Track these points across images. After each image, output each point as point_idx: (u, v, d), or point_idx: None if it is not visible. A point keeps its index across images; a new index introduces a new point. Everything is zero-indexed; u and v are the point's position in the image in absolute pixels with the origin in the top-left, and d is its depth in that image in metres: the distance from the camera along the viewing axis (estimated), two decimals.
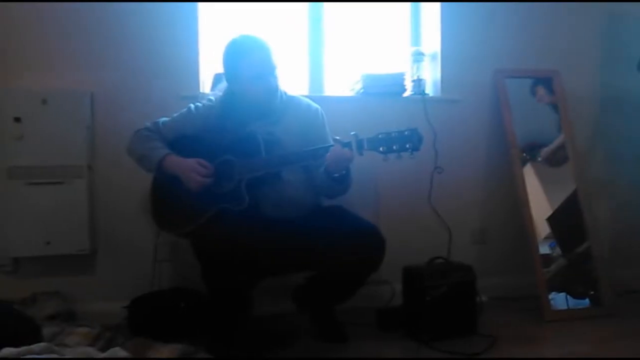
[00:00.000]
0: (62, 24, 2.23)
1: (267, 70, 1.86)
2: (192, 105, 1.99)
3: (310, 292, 2.04)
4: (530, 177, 2.51)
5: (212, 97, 2.03)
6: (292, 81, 2.55)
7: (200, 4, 2.36)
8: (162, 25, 2.28)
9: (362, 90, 2.47)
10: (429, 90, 2.60)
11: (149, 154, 1.87)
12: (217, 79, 2.31)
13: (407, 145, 1.69)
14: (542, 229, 2.45)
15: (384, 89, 2.46)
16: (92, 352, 1.55)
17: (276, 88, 1.90)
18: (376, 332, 2.12)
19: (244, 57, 1.85)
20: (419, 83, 2.54)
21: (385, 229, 2.01)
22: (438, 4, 2.56)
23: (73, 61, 2.24)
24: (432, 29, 2.61)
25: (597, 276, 2.39)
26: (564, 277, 2.41)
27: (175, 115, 1.98)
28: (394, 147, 1.70)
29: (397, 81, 2.48)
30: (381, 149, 1.71)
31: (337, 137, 1.76)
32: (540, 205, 2.48)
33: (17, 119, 2.13)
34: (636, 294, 2.58)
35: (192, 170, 1.80)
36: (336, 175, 1.79)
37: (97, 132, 2.24)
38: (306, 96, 2.10)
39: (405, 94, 2.53)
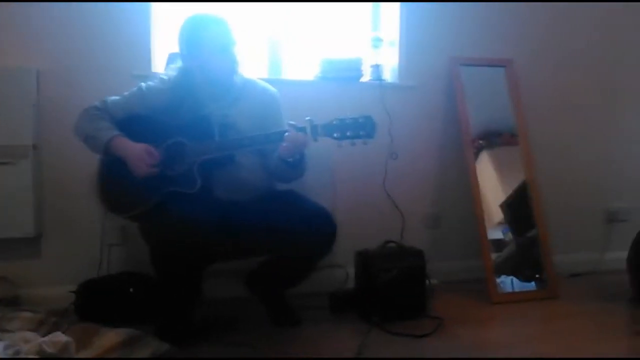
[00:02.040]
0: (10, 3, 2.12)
1: (228, 44, 1.84)
2: (143, 84, 1.93)
3: (263, 276, 2.05)
4: (486, 164, 2.57)
5: (165, 77, 1.97)
6: (251, 64, 2.51)
7: None
8: (113, 2, 2.20)
9: (320, 75, 2.46)
10: (387, 76, 2.61)
11: (97, 134, 1.81)
12: (170, 58, 2.24)
13: (361, 133, 1.71)
14: (497, 214, 2.52)
15: (341, 74, 2.46)
16: (31, 336, 1.51)
17: (238, 62, 1.88)
18: (329, 315, 2.15)
19: (206, 30, 1.83)
20: (376, 69, 2.55)
21: (340, 214, 2.04)
22: None
23: (18, 37, 2.14)
24: (392, 15, 2.61)
25: (543, 260, 2.48)
26: (513, 261, 2.49)
27: (125, 94, 1.92)
28: (348, 134, 1.71)
29: (354, 66, 2.49)
30: (335, 135, 1.72)
31: (292, 122, 1.75)
32: (496, 192, 2.56)
33: None
34: (578, 276, 2.71)
35: (139, 158, 1.75)
36: (290, 160, 1.79)
37: (44, 110, 2.15)
38: (264, 79, 2.07)
39: (363, 80, 2.53)
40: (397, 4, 2.57)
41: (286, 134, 1.74)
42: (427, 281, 2.17)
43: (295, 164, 1.82)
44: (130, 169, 1.77)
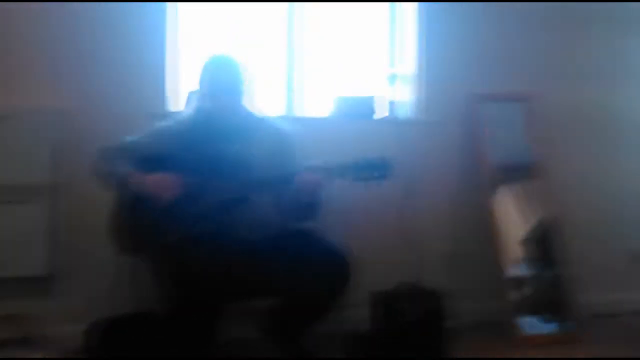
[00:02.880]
0: (28, 40, 2.17)
1: (226, 88, 1.84)
2: (159, 124, 1.96)
3: (277, 319, 2.00)
4: (506, 199, 2.53)
5: (181, 116, 2.00)
6: (266, 101, 2.53)
7: (170, 20, 2.33)
8: (129, 42, 2.24)
9: (334, 112, 2.47)
10: (404, 112, 2.61)
11: (114, 171, 1.82)
12: (190, 97, 2.28)
13: (375, 174, 1.71)
14: (519, 250, 2.47)
15: (356, 112, 2.46)
16: None
17: (238, 108, 1.88)
18: (344, 357, 2.10)
19: (209, 73, 1.86)
20: (393, 105, 2.55)
21: (355, 253, 2.00)
22: (415, 25, 2.58)
23: (37, 78, 2.18)
24: (409, 51, 2.62)
25: (566, 300, 2.41)
26: (535, 301, 2.42)
27: (142, 134, 1.94)
28: (362, 176, 1.70)
29: (369, 104, 2.49)
30: (349, 177, 1.71)
31: (307, 163, 1.75)
32: (517, 227, 2.51)
33: None
34: (601, 318, 2.61)
35: (159, 183, 1.75)
36: (305, 201, 1.77)
37: (61, 150, 2.17)
38: (280, 117, 2.08)
39: (379, 116, 2.53)
40: (415, 39, 2.58)
41: (299, 175, 1.73)
42: (446, 323, 2.10)
43: (309, 205, 1.81)
44: (153, 198, 1.76)
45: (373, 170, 1.70)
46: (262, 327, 2.06)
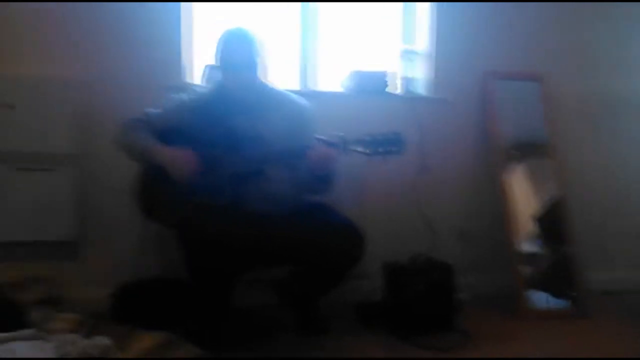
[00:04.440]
0: (53, 14, 2.22)
1: (242, 63, 1.87)
2: (180, 97, 2.01)
3: (292, 286, 2.08)
4: (519, 176, 2.56)
5: (199, 89, 2.04)
6: (283, 75, 2.56)
7: None
8: (148, 14, 2.28)
9: (350, 87, 2.49)
10: (419, 89, 2.63)
11: (136, 143, 1.89)
12: (206, 70, 2.33)
13: (391, 149, 1.73)
14: (531, 227, 2.50)
15: (372, 87, 2.48)
16: (75, 338, 1.58)
17: (252, 82, 1.91)
18: (356, 325, 2.17)
19: (224, 46, 1.88)
20: (408, 81, 2.57)
21: (369, 226, 2.05)
22: (430, 2, 2.58)
23: (63, 49, 2.24)
24: (424, 28, 2.63)
25: (575, 277, 2.45)
26: (545, 277, 2.46)
27: (165, 106, 2.00)
28: (379, 150, 1.73)
29: (385, 79, 2.51)
30: (366, 151, 1.74)
31: (323, 137, 1.78)
32: (530, 204, 2.54)
33: (11, 107, 2.13)
34: (610, 295, 2.64)
35: (178, 160, 1.81)
36: (320, 174, 1.82)
37: (87, 120, 2.24)
38: (295, 91, 2.11)
39: (394, 92, 2.55)
40: (431, 15, 2.58)
41: (314, 148, 1.77)
42: (455, 295, 2.16)
43: (325, 179, 1.85)
44: (170, 173, 1.83)
45: (388, 145, 1.73)
46: (277, 295, 2.15)
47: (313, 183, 1.88)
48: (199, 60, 2.42)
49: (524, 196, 2.54)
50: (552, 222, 2.51)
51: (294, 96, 2.06)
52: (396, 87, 2.56)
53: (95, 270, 2.27)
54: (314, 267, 1.92)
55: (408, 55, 2.59)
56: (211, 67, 2.26)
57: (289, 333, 2.05)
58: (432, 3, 2.58)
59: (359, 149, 1.74)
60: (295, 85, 2.57)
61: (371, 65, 2.61)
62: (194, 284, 1.89)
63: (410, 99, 2.52)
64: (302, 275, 2.03)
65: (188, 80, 2.38)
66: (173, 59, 2.33)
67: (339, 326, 2.11)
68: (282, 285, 2.12)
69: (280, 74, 2.52)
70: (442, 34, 2.57)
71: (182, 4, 2.35)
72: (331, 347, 1.96)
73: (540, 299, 2.41)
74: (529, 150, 2.60)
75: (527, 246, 2.47)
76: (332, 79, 2.65)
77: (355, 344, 1.99)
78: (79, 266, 2.29)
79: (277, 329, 2.09)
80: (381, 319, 2.16)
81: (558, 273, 2.47)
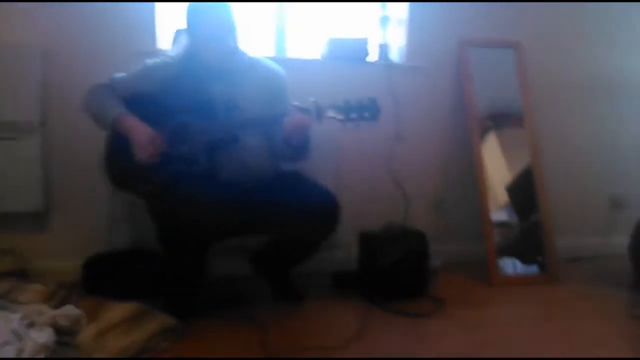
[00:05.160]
0: None
1: (224, 30, 1.81)
2: (149, 62, 1.93)
3: (267, 255, 2.08)
4: (493, 146, 2.57)
5: (170, 54, 1.97)
6: (257, 43, 2.50)
7: None
8: None
9: (326, 54, 2.45)
10: (394, 56, 2.60)
11: (104, 112, 1.82)
12: (177, 35, 2.24)
13: (365, 115, 1.70)
14: (503, 196, 2.54)
15: (348, 54, 2.44)
16: (44, 308, 1.55)
17: (232, 50, 1.86)
18: (332, 294, 2.18)
19: (201, 15, 1.81)
20: (384, 49, 2.53)
21: (344, 195, 2.05)
22: None
23: (24, 16, 2.14)
24: None
25: (545, 244, 2.50)
26: (516, 244, 2.51)
27: (132, 71, 1.92)
28: (352, 116, 1.70)
29: (361, 46, 2.47)
30: (340, 117, 1.71)
31: (296, 103, 1.75)
32: (502, 173, 2.56)
33: None
34: (580, 261, 2.72)
35: (143, 144, 1.75)
36: (294, 142, 1.79)
37: (51, 88, 2.17)
38: (270, 58, 2.06)
39: (370, 59, 2.52)
40: None
41: (289, 114, 1.74)
42: (429, 263, 2.19)
43: (299, 146, 1.83)
44: (134, 151, 1.79)
45: (362, 110, 1.70)
46: (252, 264, 2.15)
47: (289, 150, 1.85)
48: (165, 25, 2.33)
49: (498, 165, 2.56)
50: (523, 191, 2.55)
51: (269, 62, 2.01)
52: (373, 55, 2.53)
53: (65, 241, 2.23)
54: (289, 236, 1.92)
55: (386, 21, 2.54)
56: (181, 32, 2.18)
57: (265, 301, 2.05)
58: None
59: (333, 114, 1.71)
60: (271, 53, 2.51)
61: (346, 32, 2.56)
62: (167, 254, 1.86)
63: (386, 66, 2.48)
64: (277, 244, 2.02)
65: (158, 45, 2.30)
66: (146, 24, 2.25)
67: (315, 294, 2.13)
68: (257, 254, 2.12)
69: (255, 41, 2.46)
70: (419, 1, 2.53)
71: None
72: (307, 315, 1.97)
73: (511, 266, 2.46)
74: (503, 119, 2.61)
75: (499, 214, 2.51)
76: (308, 46, 2.59)
77: (330, 311, 2.00)
78: (48, 237, 2.24)
79: (252, 298, 2.09)
80: (357, 287, 2.18)
81: (528, 240, 2.52)
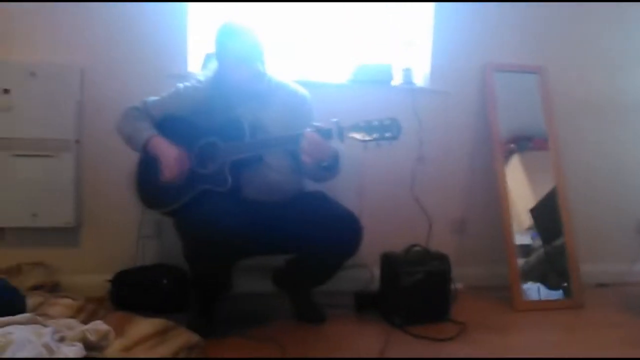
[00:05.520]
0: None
1: (252, 55, 1.88)
2: (180, 85, 2.00)
3: (289, 274, 2.10)
4: (517, 168, 2.57)
5: (201, 78, 2.04)
6: (283, 66, 2.55)
7: None
8: (152, 3, 2.28)
9: (351, 78, 2.50)
10: (418, 80, 2.63)
11: (136, 134, 1.90)
12: (207, 58, 2.32)
13: (387, 135, 1.72)
14: (527, 219, 2.52)
15: (372, 78, 2.48)
16: (73, 323, 1.60)
17: (262, 73, 1.92)
18: (353, 314, 2.19)
19: (232, 40, 1.87)
20: (408, 73, 2.57)
21: (367, 216, 2.07)
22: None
23: (63, 36, 2.24)
24: (425, 19, 2.62)
25: (570, 269, 2.47)
26: (541, 269, 2.48)
27: (163, 94, 2.00)
28: (374, 136, 1.73)
29: (390, 71, 2.51)
30: (361, 137, 1.74)
31: (318, 124, 1.79)
32: (526, 196, 2.55)
33: (6, 91, 2.14)
34: (606, 287, 2.68)
35: (170, 163, 1.82)
36: (325, 164, 1.82)
37: (86, 107, 2.25)
38: (296, 82, 2.11)
39: (394, 84, 2.55)
40: (432, 7, 2.58)
41: (306, 134, 1.75)
42: (451, 286, 2.19)
43: (329, 167, 1.86)
44: (161, 170, 1.85)
45: (385, 130, 1.72)
46: (274, 283, 2.18)
47: (318, 172, 1.88)
48: (196, 48, 2.41)
49: (521, 188, 2.55)
50: (547, 214, 2.53)
51: (294, 86, 2.07)
52: (396, 79, 2.56)
53: (94, 256, 2.30)
54: (311, 256, 1.94)
55: (408, 46, 2.58)
56: (210, 56, 2.25)
57: (286, 320, 2.07)
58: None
59: (354, 135, 1.74)
60: (298, 76, 2.56)
61: (372, 56, 2.61)
62: (192, 270, 1.91)
63: (410, 90, 2.52)
64: (299, 263, 2.05)
65: (189, 69, 2.38)
66: (178, 48, 2.34)
67: (336, 314, 2.14)
68: (279, 273, 2.15)
69: (280, 65, 2.52)
70: (441, 26, 2.56)
71: None
72: (328, 335, 1.98)
73: (535, 291, 2.43)
74: (527, 142, 2.61)
75: (523, 238, 2.49)
76: (335, 71, 2.64)
77: (352, 332, 2.01)
78: (79, 252, 2.31)
79: (273, 316, 2.11)
80: (378, 308, 2.18)
81: (552, 265, 2.49)
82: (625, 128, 2.81)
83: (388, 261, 2.19)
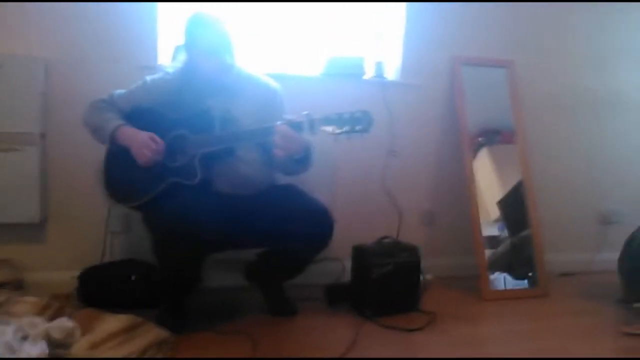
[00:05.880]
0: None
1: (221, 46, 1.86)
2: (148, 78, 1.97)
3: (261, 268, 2.10)
4: (485, 161, 2.61)
5: (170, 70, 2.01)
6: (255, 59, 2.54)
7: None
8: None
9: (323, 72, 2.50)
10: (389, 74, 2.64)
11: (103, 125, 1.86)
12: (177, 50, 2.28)
13: (358, 127, 1.72)
14: (494, 211, 2.57)
15: (345, 71, 2.49)
16: (37, 321, 1.56)
17: (230, 65, 1.90)
18: (325, 307, 2.20)
19: (201, 30, 1.86)
20: (379, 66, 2.58)
21: (338, 209, 2.08)
22: None
23: (29, 28, 2.18)
24: (396, 13, 2.64)
25: (535, 259, 2.53)
26: (507, 259, 2.54)
27: (131, 87, 1.96)
28: (345, 128, 1.73)
29: (357, 64, 2.51)
30: (332, 129, 1.74)
31: (289, 117, 1.78)
32: (493, 189, 2.60)
33: None
34: (570, 276, 2.76)
35: (143, 145, 1.80)
36: (297, 157, 1.82)
37: (52, 100, 2.19)
38: (268, 74, 2.10)
39: (366, 77, 2.56)
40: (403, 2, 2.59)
41: (277, 127, 1.74)
42: (421, 277, 2.22)
43: (301, 160, 1.86)
44: (134, 157, 1.82)
45: (356, 122, 1.72)
46: (246, 277, 2.17)
47: (290, 165, 1.88)
48: (166, 40, 2.37)
49: (489, 181, 2.60)
50: (514, 206, 2.59)
51: (265, 78, 2.06)
52: (369, 72, 2.57)
53: (61, 253, 2.25)
54: (283, 249, 1.95)
55: (379, 39, 2.59)
56: (180, 48, 2.21)
57: (257, 313, 2.07)
58: None
59: (326, 127, 1.74)
60: (269, 69, 2.54)
61: (343, 49, 2.61)
62: (162, 265, 1.88)
63: (381, 83, 2.53)
64: (271, 257, 2.05)
65: (159, 61, 2.34)
66: (148, 40, 2.29)
67: (308, 307, 2.15)
68: (250, 266, 2.14)
69: (254, 57, 2.50)
70: (412, 19, 2.58)
71: None
72: (300, 328, 1.99)
73: (502, 281, 2.49)
74: (495, 135, 2.66)
75: (491, 229, 2.54)
76: (307, 64, 2.63)
77: (323, 324, 2.02)
78: (45, 248, 2.26)
79: (245, 310, 2.10)
80: (350, 300, 2.20)
81: (518, 255, 2.55)
82: (591, 122, 2.89)
83: (359, 253, 2.21)
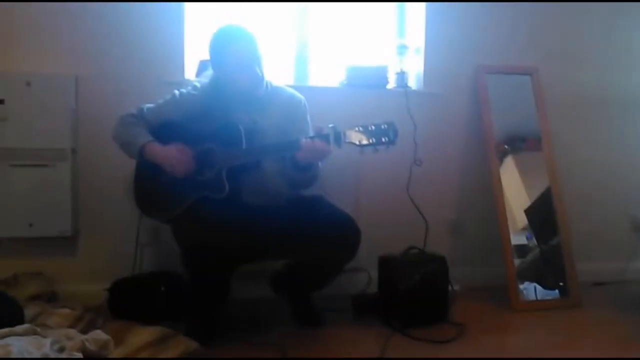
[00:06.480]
0: (48, 7, 2.22)
1: (251, 60, 1.88)
2: (176, 92, 2.00)
3: (288, 279, 2.11)
4: (511, 169, 2.58)
5: (197, 84, 2.05)
6: (278, 71, 2.57)
7: None
8: (147, 11, 2.29)
9: (345, 82, 2.51)
10: (412, 83, 2.64)
11: (132, 140, 1.90)
12: (202, 65, 2.33)
13: (384, 139, 1.72)
14: (522, 219, 2.53)
15: (367, 81, 2.50)
16: (72, 333, 1.60)
17: (261, 78, 1.92)
18: (352, 317, 2.19)
19: (230, 45, 1.87)
20: (402, 76, 2.58)
21: (364, 219, 2.08)
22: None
23: (58, 45, 2.25)
24: (417, 22, 2.64)
25: (566, 268, 2.48)
26: (537, 268, 2.50)
27: (159, 101, 2.00)
28: (371, 141, 1.73)
29: (380, 74, 2.52)
30: (358, 142, 1.74)
31: (314, 128, 1.79)
32: (520, 197, 2.56)
33: (1, 101, 2.13)
34: (602, 285, 2.69)
35: (173, 158, 1.83)
36: (302, 164, 1.80)
37: (82, 116, 2.25)
38: (290, 86, 2.12)
39: (388, 87, 2.57)
40: (423, 10, 2.60)
41: (305, 141, 1.75)
42: (449, 287, 2.19)
43: (305, 168, 1.83)
44: (166, 171, 1.85)
45: (381, 134, 1.73)
46: (273, 288, 2.18)
47: (294, 174, 1.87)
48: (189, 56, 2.42)
49: (515, 189, 2.57)
50: (542, 214, 2.55)
51: (290, 90, 2.07)
52: (391, 82, 2.58)
53: (91, 265, 2.29)
54: (310, 260, 1.94)
55: (401, 49, 2.60)
56: (205, 62, 2.26)
57: (285, 324, 2.07)
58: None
59: (352, 140, 1.74)
60: (292, 81, 2.58)
61: (364, 60, 2.62)
62: (191, 278, 1.91)
63: (404, 93, 2.53)
64: (298, 268, 2.05)
65: (186, 76, 2.38)
66: (174, 55, 2.34)
67: (335, 318, 2.14)
68: (277, 279, 2.15)
69: (277, 69, 2.53)
70: (434, 28, 2.58)
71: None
72: (327, 339, 1.98)
73: (532, 291, 2.44)
74: (520, 143, 2.63)
75: (519, 238, 2.50)
76: (328, 75, 2.65)
77: (351, 336, 2.01)
78: (76, 261, 2.30)
79: (272, 321, 2.11)
80: (377, 311, 2.19)
81: (548, 264, 2.50)
82: (618, 126, 2.84)
83: (386, 264, 2.20)
